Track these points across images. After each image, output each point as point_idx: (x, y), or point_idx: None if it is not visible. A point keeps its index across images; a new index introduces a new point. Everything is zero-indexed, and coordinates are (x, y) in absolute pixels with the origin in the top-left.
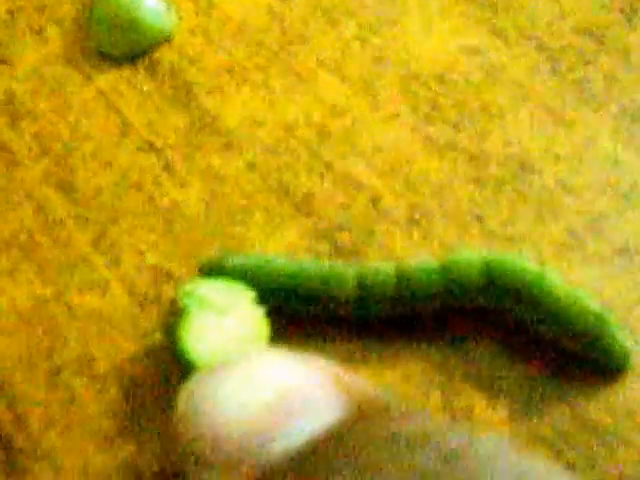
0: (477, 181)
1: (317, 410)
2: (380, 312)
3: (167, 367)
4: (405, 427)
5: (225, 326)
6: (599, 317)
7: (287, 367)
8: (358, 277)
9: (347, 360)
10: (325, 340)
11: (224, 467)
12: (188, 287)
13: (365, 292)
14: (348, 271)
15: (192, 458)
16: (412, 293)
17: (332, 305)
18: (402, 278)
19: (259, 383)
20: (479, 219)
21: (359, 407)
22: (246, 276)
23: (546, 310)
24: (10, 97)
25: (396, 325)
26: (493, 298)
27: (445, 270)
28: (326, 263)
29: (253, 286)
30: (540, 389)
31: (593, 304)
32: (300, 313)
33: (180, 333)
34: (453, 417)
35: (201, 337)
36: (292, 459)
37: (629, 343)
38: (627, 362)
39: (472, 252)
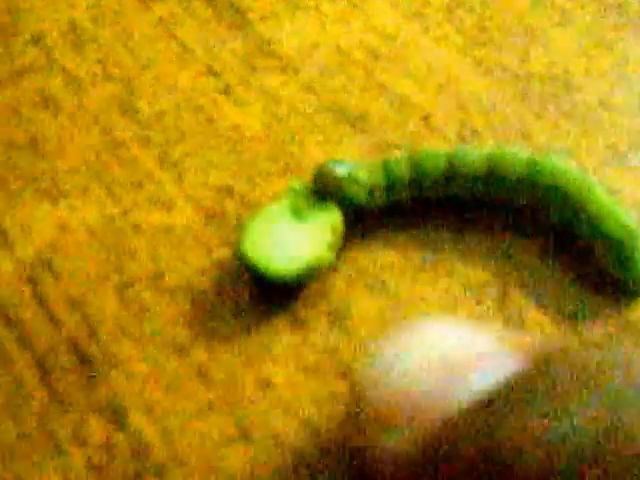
0: (522, 100)
1: (492, 365)
2: (431, 192)
3: (234, 279)
4: (589, 359)
5: (298, 235)
6: (632, 232)
7: (457, 330)
8: (411, 160)
9: (404, 269)
10: (384, 255)
11: (407, 425)
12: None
13: (418, 173)
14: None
15: (375, 421)
16: (460, 175)
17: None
18: (452, 160)
19: (435, 344)
20: (525, 135)
21: (534, 360)
22: (355, 180)
23: (586, 213)
24: (73, 26)
25: (450, 234)
26: (536, 192)
27: (492, 157)
28: (386, 159)
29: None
30: (587, 294)
31: (629, 218)
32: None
33: (251, 241)
34: (507, 322)
35: (271, 245)
36: (476, 409)
37: None
38: None
39: (518, 150)
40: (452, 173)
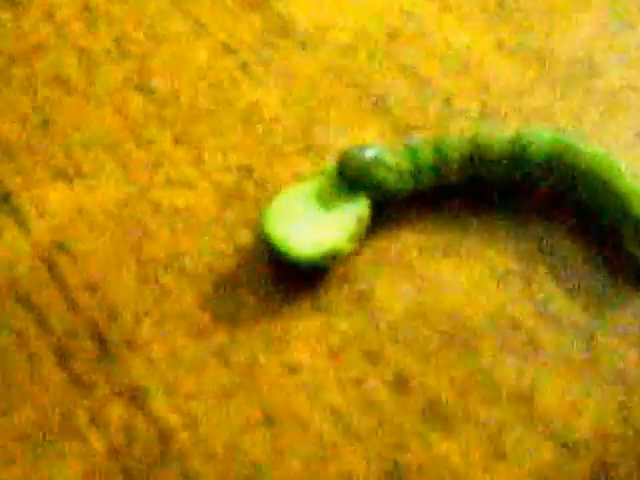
0: (546, 81)
1: None
2: (453, 177)
3: (255, 261)
4: None
5: (322, 221)
6: None
7: None
8: (435, 145)
9: (429, 252)
10: (408, 237)
11: None
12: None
13: (442, 157)
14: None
15: None
16: (484, 157)
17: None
18: (476, 143)
19: None
20: (548, 117)
21: None
22: (382, 164)
23: (612, 194)
24: (86, 3)
25: (477, 218)
26: (561, 174)
27: (516, 139)
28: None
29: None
30: (616, 279)
31: None
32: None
33: (274, 221)
34: (534, 306)
35: (294, 227)
36: None
37: None
38: None
39: (545, 129)
40: (476, 156)
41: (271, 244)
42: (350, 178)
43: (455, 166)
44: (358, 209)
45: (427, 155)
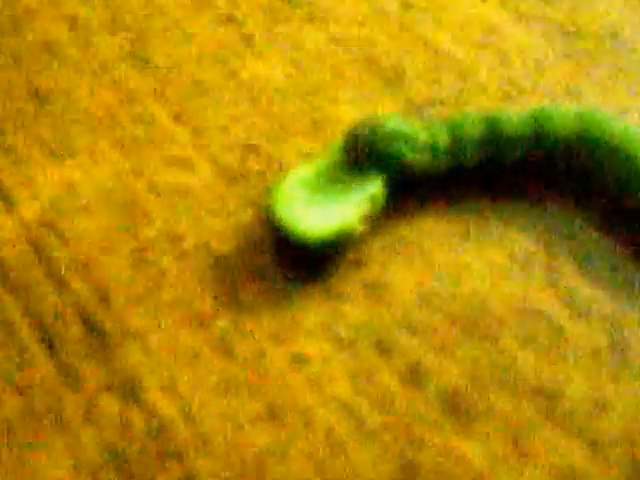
0: (570, 56)
1: None
2: (470, 159)
3: (257, 244)
4: None
5: (332, 201)
6: None
7: None
8: (451, 124)
9: (446, 237)
10: (424, 222)
11: None
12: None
13: (456, 138)
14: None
15: None
16: (502, 137)
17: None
18: (494, 123)
19: None
20: (573, 94)
21: None
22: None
23: (634, 171)
24: None
25: (495, 202)
26: (586, 152)
27: (537, 115)
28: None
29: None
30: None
31: None
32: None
33: (281, 200)
34: (558, 295)
35: (301, 207)
36: None
37: None
38: None
39: (567, 106)
40: (495, 137)
41: (278, 225)
42: (364, 152)
43: (471, 149)
44: (371, 188)
45: (443, 134)
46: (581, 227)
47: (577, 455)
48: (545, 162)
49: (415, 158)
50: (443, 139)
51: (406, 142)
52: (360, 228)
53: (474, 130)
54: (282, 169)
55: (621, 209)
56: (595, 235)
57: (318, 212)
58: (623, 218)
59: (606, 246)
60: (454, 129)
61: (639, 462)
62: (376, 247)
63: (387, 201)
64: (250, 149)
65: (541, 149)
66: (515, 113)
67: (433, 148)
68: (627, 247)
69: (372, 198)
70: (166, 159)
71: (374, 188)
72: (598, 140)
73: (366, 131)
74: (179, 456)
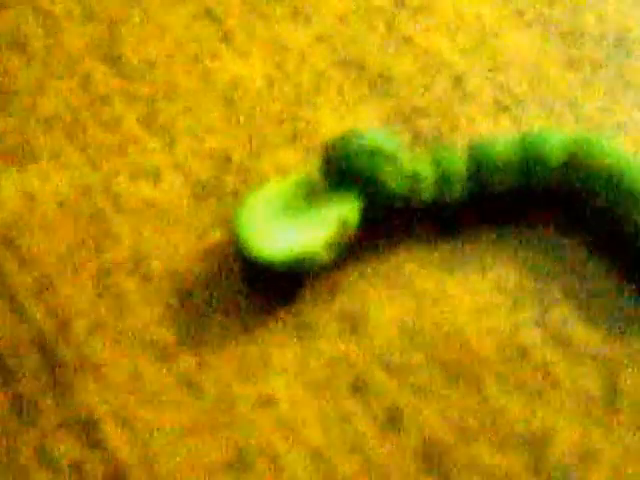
0: (571, 61)
1: None
2: (456, 193)
3: (226, 268)
4: None
5: (298, 221)
6: None
7: None
8: (434, 158)
9: (429, 265)
10: (407, 247)
11: None
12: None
13: (440, 171)
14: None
15: None
16: (488, 168)
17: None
18: (476, 152)
19: None
20: (573, 104)
21: None
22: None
23: (635, 199)
24: None
25: (484, 228)
26: (574, 178)
27: (524, 143)
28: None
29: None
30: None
31: None
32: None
33: (245, 217)
34: (548, 333)
35: (263, 226)
36: None
37: None
38: None
39: (556, 130)
40: (481, 172)
41: (238, 244)
42: (340, 169)
43: (458, 181)
44: (343, 210)
45: (427, 166)
46: (575, 257)
47: None
48: (536, 188)
49: (396, 179)
50: (426, 170)
51: (387, 160)
52: (326, 254)
53: (459, 165)
54: (257, 183)
55: (614, 235)
56: (590, 266)
57: (281, 232)
58: (620, 248)
59: (602, 278)
60: (439, 162)
61: None
62: (353, 274)
63: (366, 224)
64: (224, 160)
65: (529, 181)
66: (502, 142)
67: (415, 175)
68: (624, 280)
69: (343, 221)
70: (134, 169)
71: (347, 210)
72: (589, 171)
73: (344, 146)
74: None
